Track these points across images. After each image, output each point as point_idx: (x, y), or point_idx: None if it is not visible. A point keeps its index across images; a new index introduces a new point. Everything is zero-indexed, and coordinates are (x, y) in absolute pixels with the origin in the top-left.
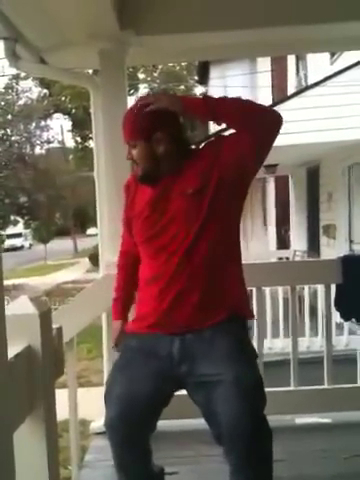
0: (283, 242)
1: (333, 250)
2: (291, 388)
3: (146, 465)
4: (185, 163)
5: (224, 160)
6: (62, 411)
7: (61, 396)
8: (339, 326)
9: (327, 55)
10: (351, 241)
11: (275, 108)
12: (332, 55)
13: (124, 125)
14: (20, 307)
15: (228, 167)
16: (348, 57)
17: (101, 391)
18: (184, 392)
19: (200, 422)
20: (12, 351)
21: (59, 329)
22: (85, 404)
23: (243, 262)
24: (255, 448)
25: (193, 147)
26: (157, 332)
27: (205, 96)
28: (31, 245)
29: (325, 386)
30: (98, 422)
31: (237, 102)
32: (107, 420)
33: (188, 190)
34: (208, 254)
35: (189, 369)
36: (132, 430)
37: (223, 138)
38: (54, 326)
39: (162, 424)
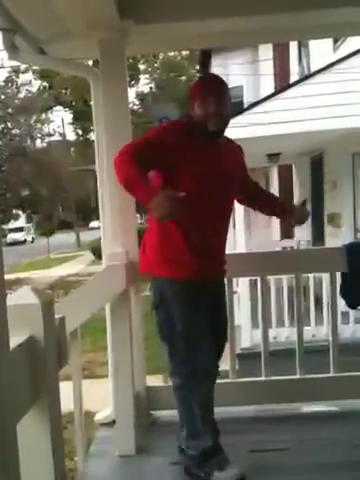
0: (287, 232)
1: (338, 239)
2: (297, 377)
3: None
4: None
5: (242, 170)
6: (67, 403)
7: (65, 388)
8: (345, 314)
9: (330, 42)
10: (356, 229)
11: (278, 96)
12: (335, 42)
13: (216, 80)
14: (22, 297)
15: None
16: (351, 44)
17: (106, 383)
18: None
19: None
20: (14, 341)
21: (62, 319)
22: (89, 396)
23: (247, 251)
24: None
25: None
26: (205, 280)
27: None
28: (33, 239)
29: (331, 374)
30: (103, 413)
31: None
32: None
33: (233, 171)
34: (228, 221)
35: (212, 308)
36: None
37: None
38: (57, 316)
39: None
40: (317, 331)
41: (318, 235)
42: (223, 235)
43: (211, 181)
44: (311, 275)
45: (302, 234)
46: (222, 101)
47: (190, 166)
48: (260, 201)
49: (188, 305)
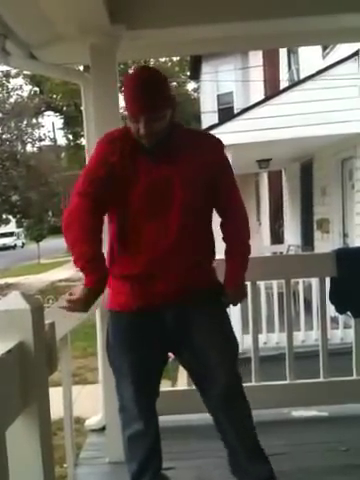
0: (277, 237)
1: (327, 244)
2: (287, 382)
3: (158, 439)
4: (179, 138)
5: (215, 175)
6: (57, 409)
7: (56, 394)
8: (334, 320)
9: (319, 50)
10: (345, 235)
11: (268, 103)
12: (324, 49)
13: (142, 98)
14: (11, 303)
15: (213, 181)
16: (340, 51)
17: (96, 388)
18: (179, 388)
19: (196, 418)
20: (3, 347)
21: (52, 325)
22: (80, 402)
23: None
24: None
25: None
26: (148, 309)
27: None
28: (24, 244)
29: (321, 379)
30: (93, 419)
31: (245, 268)
32: (127, 398)
33: (186, 177)
34: (189, 230)
35: (183, 338)
36: (149, 401)
37: (225, 162)
38: (47, 322)
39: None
40: (307, 336)
41: (307, 240)
42: (182, 254)
43: (145, 199)
44: (301, 280)
45: (292, 239)
46: (152, 117)
47: (129, 187)
48: (226, 245)
49: (117, 337)
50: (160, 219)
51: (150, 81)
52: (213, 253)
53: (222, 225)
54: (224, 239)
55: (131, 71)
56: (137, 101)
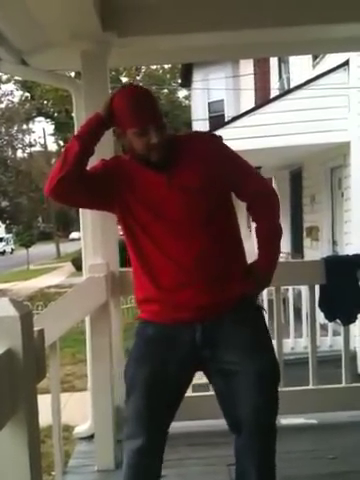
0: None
1: (316, 252)
2: None
3: (160, 463)
4: (178, 147)
5: (224, 171)
6: (45, 417)
7: (44, 402)
8: (323, 327)
9: (309, 59)
10: (334, 242)
11: (258, 111)
12: (314, 58)
13: (145, 108)
14: (0, 309)
15: (224, 183)
16: (330, 60)
17: (85, 396)
18: None
19: (185, 425)
20: None
21: (40, 331)
22: (69, 409)
23: None
24: (271, 442)
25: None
26: (177, 321)
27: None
28: (13, 250)
29: (310, 387)
30: (82, 427)
31: (277, 249)
32: (134, 411)
33: (191, 186)
34: (211, 244)
35: (212, 354)
36: (159, 419)
37: (228, 152)
38: (35, 329)
39: None
40: (296, 344)
41: (297, 248)
42: (207, 264)
43: (157, 214)
44: (290, 287)
45: (282, 246)
46: (161, 125)
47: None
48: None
49: (137, 347)
50: (178, 232)
51: (145, 92)
52: (243, 256)
53: (248, 209)
54: (254, 224)
55: (116, 91)
56: (142, 112)
